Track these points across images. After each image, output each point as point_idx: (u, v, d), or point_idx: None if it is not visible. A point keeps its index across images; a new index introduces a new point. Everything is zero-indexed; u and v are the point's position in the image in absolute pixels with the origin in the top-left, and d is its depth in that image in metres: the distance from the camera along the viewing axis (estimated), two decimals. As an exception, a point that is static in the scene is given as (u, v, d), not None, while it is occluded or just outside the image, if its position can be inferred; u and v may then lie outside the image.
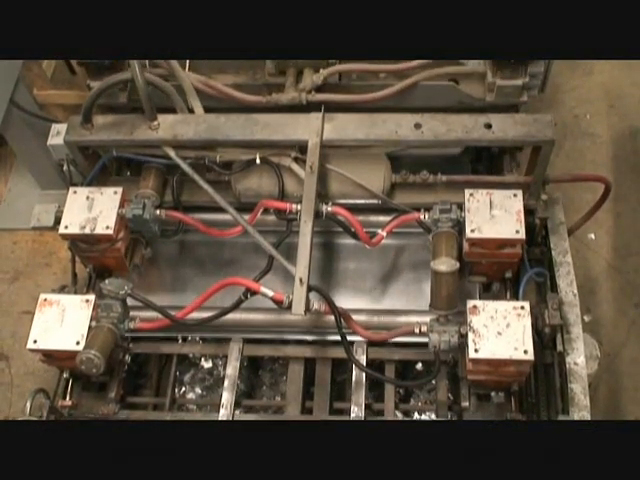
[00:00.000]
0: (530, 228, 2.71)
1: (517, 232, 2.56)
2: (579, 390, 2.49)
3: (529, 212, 2.73)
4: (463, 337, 2.42)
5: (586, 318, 2.89)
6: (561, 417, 2.43)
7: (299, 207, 2.61)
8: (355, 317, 2.60)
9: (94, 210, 2.72)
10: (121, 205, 2.74)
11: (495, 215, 2.59)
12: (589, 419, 2.44)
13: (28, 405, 2.54)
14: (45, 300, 2.63)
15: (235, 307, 2.56)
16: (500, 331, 2.39)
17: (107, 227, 2.69)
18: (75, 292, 2.85)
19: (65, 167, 2.92)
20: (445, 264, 2.50)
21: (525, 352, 2.35)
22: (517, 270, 2.76)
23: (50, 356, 2.63)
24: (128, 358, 2.80)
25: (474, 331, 2.40)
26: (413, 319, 2.62)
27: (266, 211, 2.76)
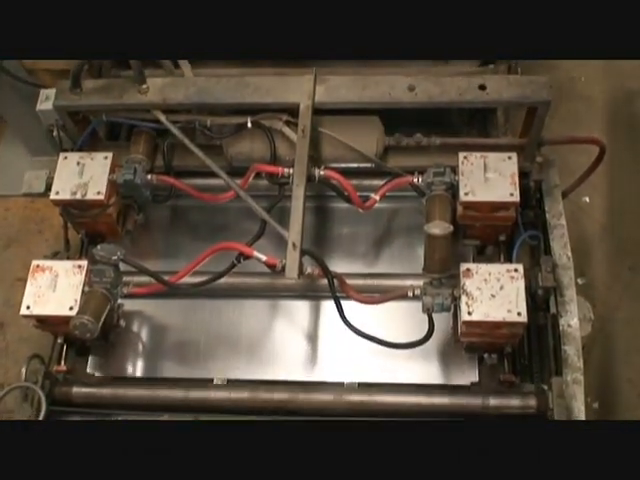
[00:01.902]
0: (524, 191, 2.69)
1: (511, 195, 2.55)
2: (573, 352, 2.50)
3: (523, 175, 2.72)
4: (456, 300, 2.42)
5: (580, 281, 2.89)
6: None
7: (291, 171, 2.59)
8: (348, 281, 2.60)
9: (85, 175, 2.70)
10: (112, 170, 2.72)
11: (489, 178, 2.57)
12: (582, 380, 2.45)
13: (23, 371, 2.55)
14: (37, 266, 2.62)
15: (227, 271, 2.55)
16: (493, 294, 2.38)
17: (98, 193, 2.67)
18: (68, 258, 2.83)
19: (55, 133, 2.89)
20: (439, 227, 2.49)
21: (518, 314, 2.35)
22: (511, 233, 2.75)
23: (44, 322, 2.63)
24: (123, 323, 2.79)
25: (467, 294, 2.39)
26: (407, 282, 2.61)
27: (258, 175, 2.74)
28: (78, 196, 2.67)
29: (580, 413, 2.41)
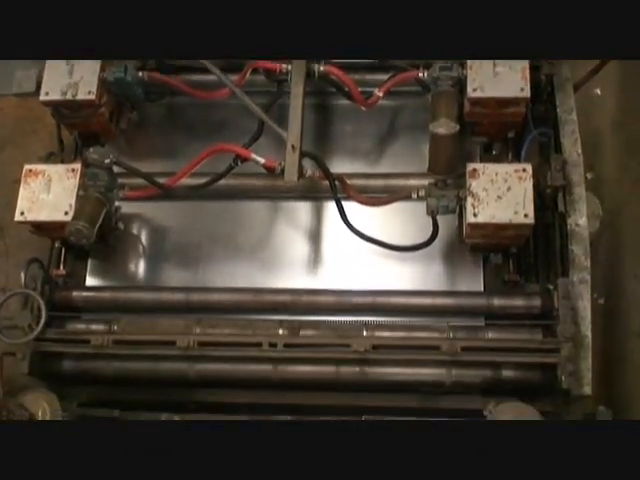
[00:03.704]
0: (535, 85, 2.56)
1: (522, 90, 2.44)
2: (580, 252, 2.45)
3: (534, 68, 2.58)
4: (462, 201, 2.35)
5: (589, 175, 2.81)
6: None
7: (289, 67, 2.48)
8: (351, 181, 2.53)
9: (75, 75, 2.61)
10: (102, 69, 2.61)
11: (499, 72, 2.45)
12: (588, 280, 2.42)
13: (22, 276, 2.53)
14: (30, 171, 2.56)
15: (225, 174, 2.49)
16: (500, 195, 2.32)
17: (89, 92, 2.59)
18: (62, 160, 2.77)
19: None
20: (444, 126, 2.39)
21: (525, 216, 2.29)
22: (520, 130, 2.64)
23: (39, 227, 2.59)
24: (122, 226, 2.74)
25: (473, 195, 2.32)
26: (411, 182, 2.55)
27: (255, 71, 2.62)
28: (69, 96, 2.58)
29: (586, 312, 2.39)
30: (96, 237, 2.46)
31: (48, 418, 2.42)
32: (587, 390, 2.32)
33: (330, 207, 2.65)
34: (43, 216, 2.50)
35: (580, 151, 2.56)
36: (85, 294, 2.66)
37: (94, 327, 2.56)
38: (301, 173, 2.35)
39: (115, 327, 2.52)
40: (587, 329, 2.37)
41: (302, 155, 2.35)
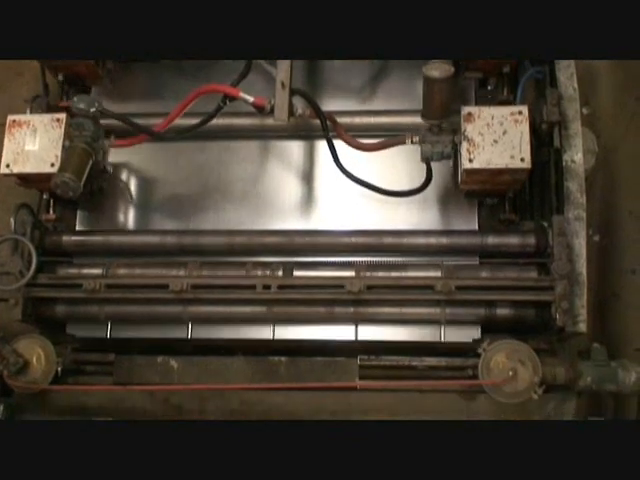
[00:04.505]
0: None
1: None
2: (575, 188, 2.42)
3: (529, 1, 2.51)
4: (457, 147, 2.31)
5: (585, 111, 2.75)
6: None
7: None
8: (342, 119, 2.48)
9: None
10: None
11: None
12: (584, 216, 2.39)
13: (12, 221, 2.50)
14: (14, 121, 2.50)
15: (214, 115, 2.43)
16: (496, 139, 2.27)
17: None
18: (48, 103, 2.71)
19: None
20: (439, 70, 2.28)
21: (522, 160, 2.26)
22: (515, 64, 2.58)
23: (26, 179, 2.55)
24: (110, 169, 2.69)
25: (468, 140, 2.28)
26: (405, 120, 2.50)
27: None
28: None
29: (581, 249, 2.38)
30: (84, 188, 2.41)
31: (43, 364, 2.42)
32: (582, 327, 2.32)
33: (322, 146, 2.60)
34: (29, 168, 2.45)
35: (576, 85, 2.51)
36: (76, 238, 2.63)
37: (86, 271, 2.54)
38: (291, 112, 2.29)
39: (107, 271, 2.50)
40: (582, 266, 2.36)
41: (292, 93, 2.29)
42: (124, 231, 2.70)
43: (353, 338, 2.48)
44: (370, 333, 2.48)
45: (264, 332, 2.50)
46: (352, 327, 2.48)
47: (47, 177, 2.40)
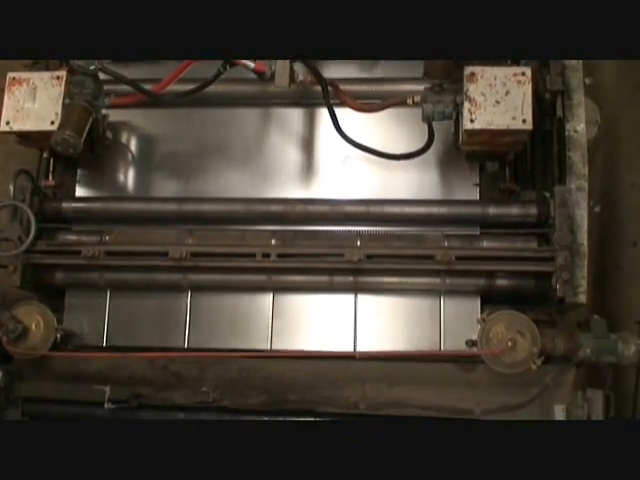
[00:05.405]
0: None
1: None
2: (577, 158, 2.41)
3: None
4: (458, 107, 2.29)
5: (587, 81, 2.72)
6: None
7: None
8: (344, 86, 2.46)
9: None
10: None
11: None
12: (586, 187, 2.38)
13: (11, 188, 2.49)
14: (14, 79, 2.48)
15: (214, 80, 2.40)
16: (498, 99, 2.25)
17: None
18: (47, 67, 2.69)
19: None
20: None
21: (524, 121, 2.24)
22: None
23: (26, 137, 2.53)
24: (110, 134, 2.68)
25: (470, 100, 2.26)
26: (406, 87, 2.48)
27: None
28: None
29: (582, 220, 2.37)
30: (84, 147, 2.40)
31: (42, 330, 2.42)
32: (582, 298, 2.32)
33: (323, 113, 2.58)
34: (29, 126, 2.44)
35: (580, 54, 2.48)
36: (75, 205, 2.62)
37: (85, 238, 2.53)
38: (292, 78, 2.27)
39: (107, 238, 2.49)
40: (583, 237, 2.36)
41: (293, 58, 2.26)
42: (124, 198, 2.68)
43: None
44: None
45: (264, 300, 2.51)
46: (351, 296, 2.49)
47: (47, 135, 2.38)
